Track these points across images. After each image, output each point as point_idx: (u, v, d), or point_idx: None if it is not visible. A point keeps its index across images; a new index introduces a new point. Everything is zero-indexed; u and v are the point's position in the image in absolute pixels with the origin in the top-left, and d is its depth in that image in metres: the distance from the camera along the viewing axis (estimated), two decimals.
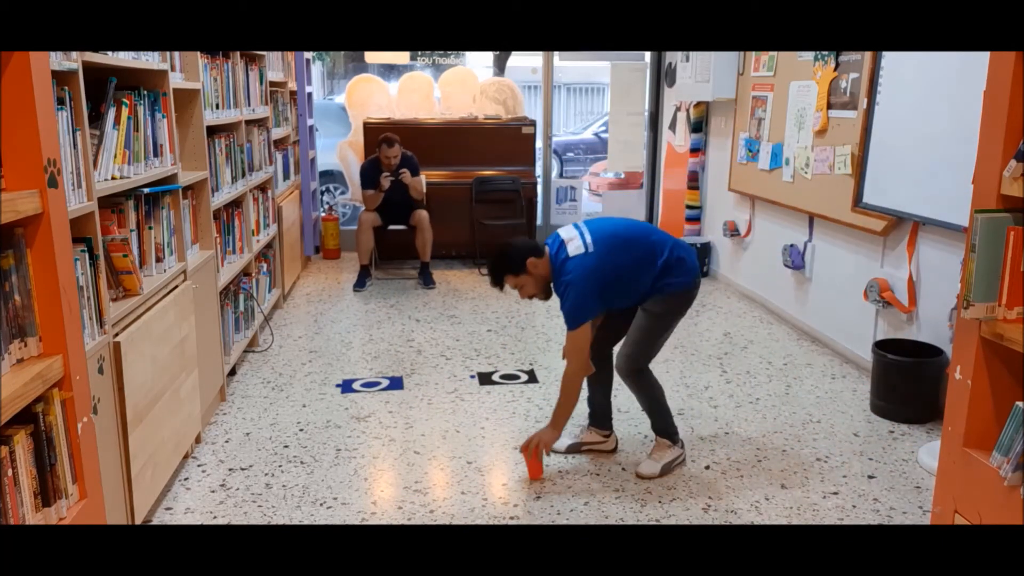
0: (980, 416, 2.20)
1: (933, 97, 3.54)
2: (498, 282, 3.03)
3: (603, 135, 9.89)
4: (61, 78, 2.19)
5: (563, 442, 3.27)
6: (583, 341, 2.92)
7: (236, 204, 4.25)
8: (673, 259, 2.95)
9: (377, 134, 6.51)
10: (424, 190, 6.04)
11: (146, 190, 2.82)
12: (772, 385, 4.05)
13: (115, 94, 2.56)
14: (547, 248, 3.00)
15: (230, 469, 3.16)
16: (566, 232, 2.99)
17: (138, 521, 2.59)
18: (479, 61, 9.23)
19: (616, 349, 3.18)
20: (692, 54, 6.08)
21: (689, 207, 6.58)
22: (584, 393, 3.19)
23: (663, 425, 3.17)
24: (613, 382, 3.27)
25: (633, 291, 2.97)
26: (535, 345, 4.66)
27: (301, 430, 3.50)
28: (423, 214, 6.03)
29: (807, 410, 3.74)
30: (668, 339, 3.12)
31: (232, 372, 4.10)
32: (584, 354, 2.94)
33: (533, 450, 3.03)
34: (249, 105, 4.55)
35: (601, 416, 3.30)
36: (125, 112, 2.63)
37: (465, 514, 2.84)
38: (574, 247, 2.91)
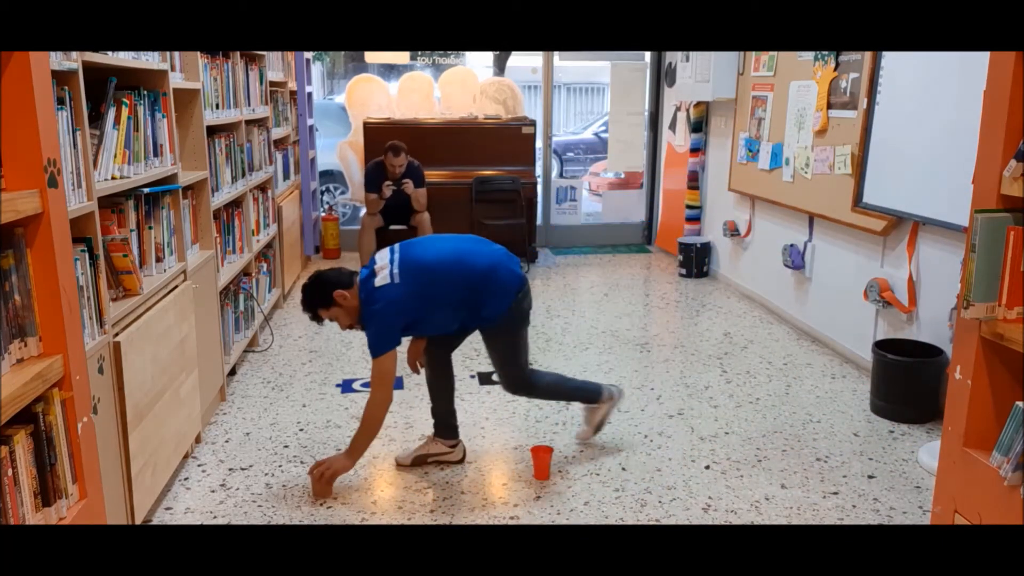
0: (980, 416, 2.20)
1: (933, 97, 3.54)
2: (314, 316, 2.95)
3: (603, 135, 9.88)
4: (61, 78, 2.19)
5: (407, 454, 3.20)
6: (388, 368, 2.84)
7: (236, 204, 4.25)
8: (485, 286, 2.89)
9: (377, 134, 6.52)
10: (426, 202, 6.04)
11: (146, 190, 2.82)
12: (772, 385, 4.05)
13: (115, 94, 2.56)
14: (357, 277, 2.92)
15: (230, 469, 3.16)
16: (381, 257, 2.93)
17: (138, 521, 2.59)
18: (479, 61, 9.22)
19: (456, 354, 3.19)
20: (692, 54, 6.08)
21: (689, 207, 6.58)
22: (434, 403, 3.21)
23: (584, 398, 3.26)
24: (455, 392, 3.22)
25: (450, 320, 2.95)
26: (535, 345, 4.65)
27: (301, 430, 3.51)
28: (424, 216, 6.04)
29: (807, 410, 3.74)
30: (528, 343, 3.09)
31: (232, 372, 4.10)
32: (389, 382, 2.85)
33: (327, 474, 2.91)
34: (249, 105, 4.55)
35: (445, 427, 3.21)
36: (125, 112, 2.63)
37: (465, 514, 2.84)
38: (381, 277, 2.85)
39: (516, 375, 3.06)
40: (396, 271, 2.86)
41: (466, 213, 6.58)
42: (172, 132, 3.09)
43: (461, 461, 3.22)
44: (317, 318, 2.95)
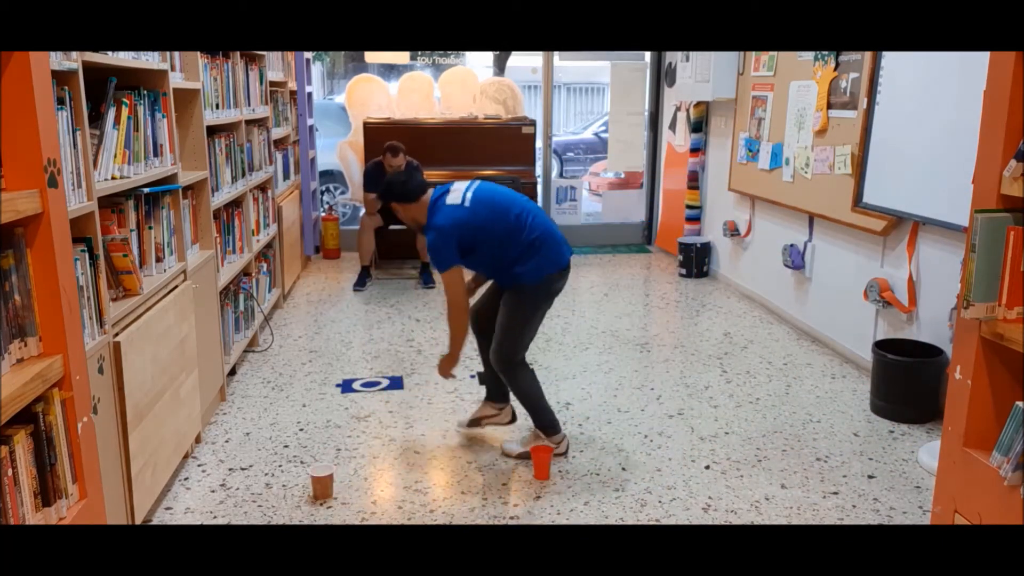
0: (980, 416, 2.20)
1: (933, 97, 3.54)
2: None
3: (603, 135, 9.88)
4: (61, 78, 2.19)
5: (465, 418, 3.52)
6: (454, 280, 3.00)
7: (236, 204, 4.25)
8: (537, 246, 3.03)
9: (377, 134, 6.52)
10: None
11: (146, 190, 2.82)
12: (772, 385, 4.05)
13: (115, 94, 2.56)
14: (429, 192, 3.14)
15: (230, 469, 3.16)
16: (457, 184, 3.14)
17: (138, 521, 2.60)
18: (479, 61, 9.22)
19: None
20: (692, 54, 6.08)
21: (689, 207, 6.58)
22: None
23: (543, 423, 3.22)
24: None
25: (496, 260, 3.06)
26: (535, 345, 4.65)
27: (301, 430, 3.51)
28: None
29: (807, 410, 3.74)
30: (538, 328, 3.18)
31: (232, 372, 4.10)
32: (457, 294, 3.02)
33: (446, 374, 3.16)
34: (249, 105, 4.55)
35: (494, 391, 3.42)
36: (125, 112, 2.63)
37: (465, 514, 2.84)
38: (453, 197, 3.05)
39: (509, 349, 3.11)
40: (469, 196, 3.05)
41: None
42: (172, 132, 3.09)
43: (511, 422, 3.44)
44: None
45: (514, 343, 3.10)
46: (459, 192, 3.05)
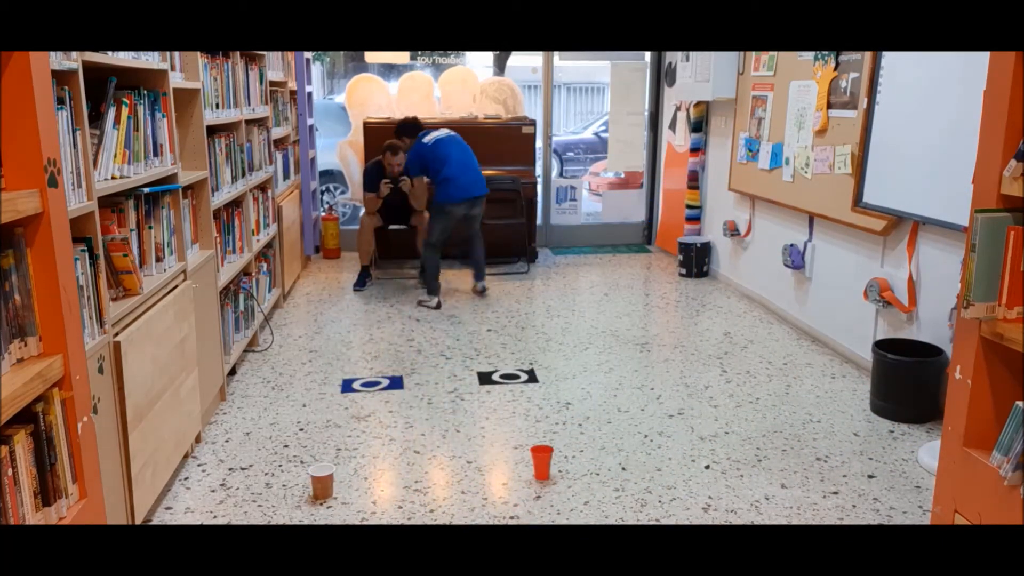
0: (980, 416, 2.20)
1: (933, 97, 3.54)
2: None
3: (603, 135, 9.88)
4: (61, 78, 2.19)
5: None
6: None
7: (236, 204, 4.25)
8: (445, 181, 5.29)
9: (377, 134, 6.52)
10: (425, 202, 6.02)
11: (146, 190, 2.82)
12: (772, 385, 4.05)
13: (115, 94, 2.56)
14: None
15: (230, 469, 3.16)
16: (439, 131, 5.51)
17: (138, 521, 2.60)
18: (479, 61, 9.22)
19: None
20: (692, 54, 6.08)
21: (689, 207, 6.58)
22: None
23: (427, 285, 5.40)
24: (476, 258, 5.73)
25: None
26: (535, 345, 4.66)
27: (301, 430, 3.51)
28: (424, 215, 6.03)
29: (807, 410, 3.74)
30: (446, 230, 5.42)
31: (232, 372, 4.10)
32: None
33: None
34: (249, 105, 4.55)
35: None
36: (125, 112, 2.63)
37: (465, 514, 2.84)
38: (427, 138, 5.46)
39: (428, 236, 5.42)
40: (432, 138, 5.52)
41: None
42: (172, 132, 3.09)
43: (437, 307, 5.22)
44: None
45: (429, 232, 5.35)
46: (432, 135, 5.33)
